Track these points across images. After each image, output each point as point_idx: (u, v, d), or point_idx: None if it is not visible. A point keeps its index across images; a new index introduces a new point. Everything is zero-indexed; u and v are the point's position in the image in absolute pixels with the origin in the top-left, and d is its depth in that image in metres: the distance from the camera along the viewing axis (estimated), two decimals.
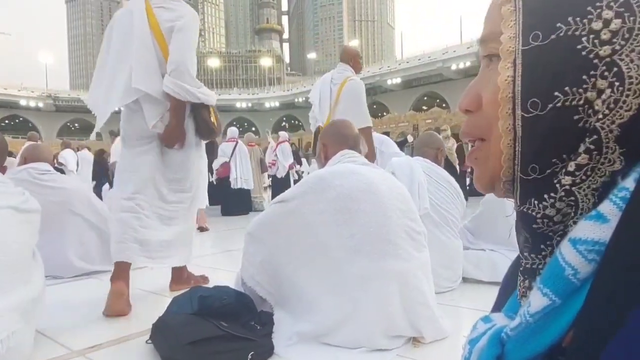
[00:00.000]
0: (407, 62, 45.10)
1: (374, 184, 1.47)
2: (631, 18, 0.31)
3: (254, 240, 1.57)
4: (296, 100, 52.94)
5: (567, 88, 0.32)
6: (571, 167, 0.33)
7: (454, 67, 39.68)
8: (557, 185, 0.33)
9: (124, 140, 1.97)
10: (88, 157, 8.29)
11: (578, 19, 0.32)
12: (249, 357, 1.29)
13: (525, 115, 0.34)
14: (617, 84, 0.31)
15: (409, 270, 1.42)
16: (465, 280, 2.21)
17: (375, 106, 49.08)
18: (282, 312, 1.50)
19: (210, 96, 1.93)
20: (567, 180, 0.33)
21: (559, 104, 0.32)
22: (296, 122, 54.18)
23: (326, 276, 1.40)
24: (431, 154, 2.35)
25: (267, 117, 54.65)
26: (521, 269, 0.38)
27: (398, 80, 44.00)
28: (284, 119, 56.59)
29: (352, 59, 2.99)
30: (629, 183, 0.31)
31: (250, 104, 57.13)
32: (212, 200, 6.74)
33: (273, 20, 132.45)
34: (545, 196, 0.34)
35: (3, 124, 51.78)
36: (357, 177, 1.46)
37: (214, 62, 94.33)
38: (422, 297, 1.43)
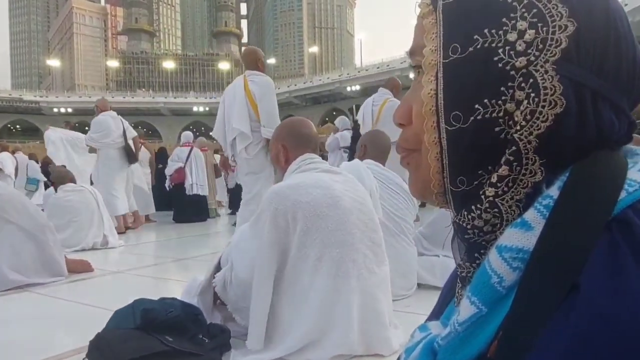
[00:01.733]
0: (367, 70, 46.08)
1: (338, 197, 1.42)
2: (544, 29, 0.31)
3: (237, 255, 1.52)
4: None
5: (486, 100, 0.32)
6: (494, 178, 0.33)
7: (412, 75, 40.85)
8: (482, 197, 0.33)
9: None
10: (24, 160, 7.81)
11: (494, 30, 0.32)
12: None
13: (449, 128, 0.33)
14: (533, 95, 0.31)
15: (369, 289, 1.41)
16: (419, 286, 2.24)
17: (334, 112, 49.56)
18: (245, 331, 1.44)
19: None
20: (490, 191, 0.33)
21: (479, 117, 0.32)
22: None
23: (293, 300, 1.36)
24: (381, 157, 2.26)
25: None
26: (459, 275, 0.38)
27: (357, 87, 44.77)
28: None
29: (394, 88, 4.11)
30: (554, 191, 0.31)
31: (207, 108, 56.00)
32: (164, 206, 6.51)
33: (232, 24, 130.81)
34: (473, 207, 0.34)
35: None
36: (322, 191, 1.41)
37: (169, 64, 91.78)
38: (380, 318, 1.43)
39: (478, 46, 0.32)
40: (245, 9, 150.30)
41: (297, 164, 1.56)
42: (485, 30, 0.32)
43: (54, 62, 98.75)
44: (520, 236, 0.31)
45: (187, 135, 6.59)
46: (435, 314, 0.45)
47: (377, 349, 1.40)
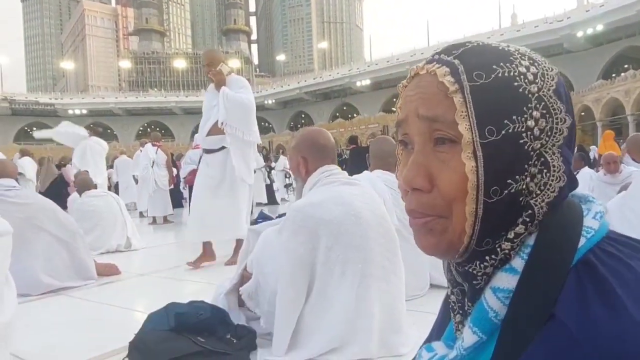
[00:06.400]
0: (376, 64, 45.73)
1: (359, 213, 1.48)
2: (550, 119, 0.40)
3: (259, 264, 1.60)
4: (266, 102, 52.67)
5: (517, 176, 0.39)
6: (511, 235, 0.40)
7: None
8: (498, 249, 0.40)
9: None
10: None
11: (518, 117, 0.39)
12: None
13: (488, 201, 0.39)
14: (545, 170, 0.39)
15: (388, 300, 1.49)
16: (432, 286, 2.33)
17: (345, 108, 49.46)
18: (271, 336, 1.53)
19: None
20: (506, 245, 0.40)
21: (513, 190, 0.39)
22: (266, 124, 53.80)
23: (318, 309, 1.45)
24: (392, 163, 2.33)
25: None
26: (452, 307, 0.47)
27: (367, 81, 44.56)
28: None
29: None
30: (531, 240, 0.40)
31: None
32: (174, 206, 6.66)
33: (241, 21, 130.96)
34: (487, 258, 0.41)
35: None
36: (344, 208, 1.47)
37: (180, 64, 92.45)
38: (397, 326, 1.51)
39: (509, 130, 0.38)
40: (254, 6, 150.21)
41: (316, 177, 1.60)
42: (514, 117, 0.39)
43: (67, 64, 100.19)
44: (511, 279, 0.39)
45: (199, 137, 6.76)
46: (436, 334, 0.53)
47: (393, 352, 1.48)
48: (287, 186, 10.53)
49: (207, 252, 3.18)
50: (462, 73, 0.40)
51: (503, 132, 0.38)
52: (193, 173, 6.27)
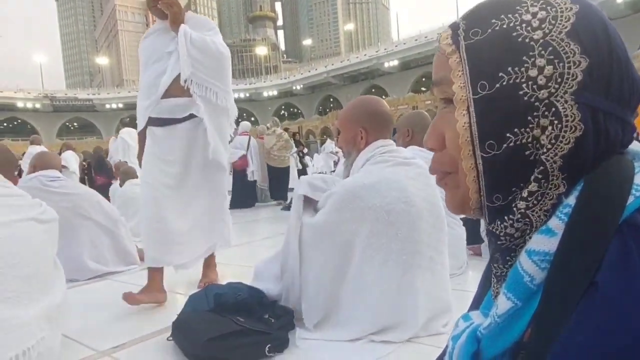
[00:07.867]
0: (404, 43, 44.64)
1: (412, 201, 1.40)
2: (560, 64, 0.36)
3: (310, 248, 1.53)
4: (294, 87, 52.69)
5: (516, 129, 0.37)
6: (524, 193, 0.37)
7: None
8: (515, 209, 0.38)
9: None
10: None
11: (516, 68, 0.37)
12: (267, 349, 1.36)
13: (484, 155, 0.38)
14: (556, 122, 0.36)
15: (432, 290, 1.44)
16: (469, 265, 2.28)
17: (373, 90, 48.72)
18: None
19: None
20: (522, 205, 0.38)
21: (511, 144, 0.37)
22: (295, 109, 53.93)
23: (357, 289, 1.42)
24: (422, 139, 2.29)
25: (265, 106, 54.40)
26: (493, 272, 0.44)
27: (395, 62, 43.64)
28: (283, 107, 56.35)
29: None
30: (572, 200, 0.36)
31: (248, 94, 56.79)
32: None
33: (266, 7, 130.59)
34: (505, 218, 0.39)
35: (2, 127, 51.79)
36: (396, 193, 1.39)
37: None
38: (442, 314, 1.47)
39: (504, 83, 0.37)
40: None
41: (371, 152, 1.49)
42: (509, 69, 0.37)
43: (102, 60, 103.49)
44: (547, 241, 0.36)
45: (245, 124, 6.89)
46: (476, 304, 0.50)
47: (434, 332, 1.46)
48: (332, 172, 10.45)
49: (155, 286, 2.01)
50: (461, 33, 0.40)
51: (497, 85, 0.37)
52: (243, 158, 6.38)
